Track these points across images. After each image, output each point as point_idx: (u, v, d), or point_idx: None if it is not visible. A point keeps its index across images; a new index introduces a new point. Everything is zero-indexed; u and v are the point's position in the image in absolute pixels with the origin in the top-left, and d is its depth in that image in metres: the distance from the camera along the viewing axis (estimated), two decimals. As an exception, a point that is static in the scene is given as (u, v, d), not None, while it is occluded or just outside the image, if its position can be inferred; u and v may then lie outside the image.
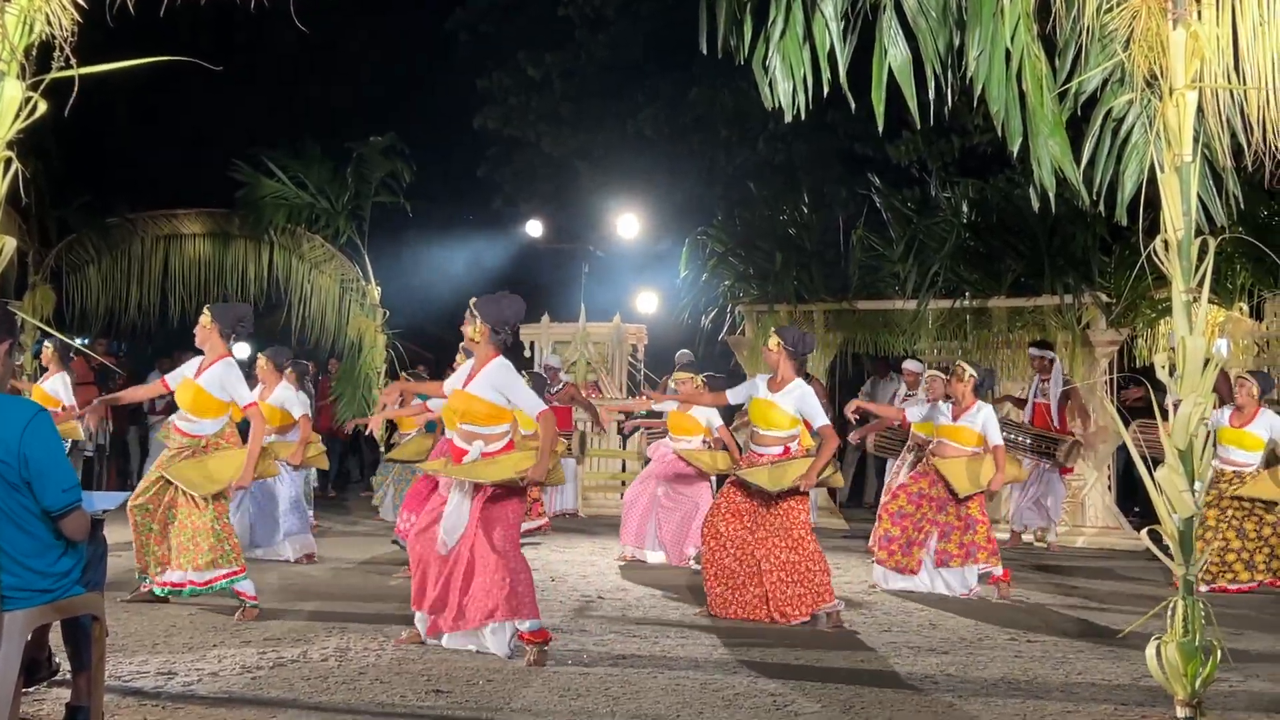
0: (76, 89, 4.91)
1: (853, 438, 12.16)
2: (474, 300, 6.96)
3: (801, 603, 7.96)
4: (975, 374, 9.52)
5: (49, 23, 4.97)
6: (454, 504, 6.77)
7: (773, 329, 8.46)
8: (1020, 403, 13.38)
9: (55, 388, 11.51)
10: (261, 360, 10.86)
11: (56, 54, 4.96)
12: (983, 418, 9.41)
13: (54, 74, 4.97)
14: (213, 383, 7.87)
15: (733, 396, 8.59)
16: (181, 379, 8.01)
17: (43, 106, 4.92)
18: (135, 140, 22.26)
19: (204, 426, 7.96)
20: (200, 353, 8.09)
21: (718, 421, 11.05)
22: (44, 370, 12.04)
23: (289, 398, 10.81)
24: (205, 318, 7.99)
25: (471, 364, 6.98)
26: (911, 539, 9.36)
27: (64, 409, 11.17)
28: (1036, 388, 12.92)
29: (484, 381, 6.79)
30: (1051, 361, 12.81)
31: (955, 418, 9.48)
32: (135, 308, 16.96)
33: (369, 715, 5.39)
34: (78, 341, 16.45)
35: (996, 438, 9.40)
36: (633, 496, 11.30)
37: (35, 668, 5.35)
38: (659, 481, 11.11)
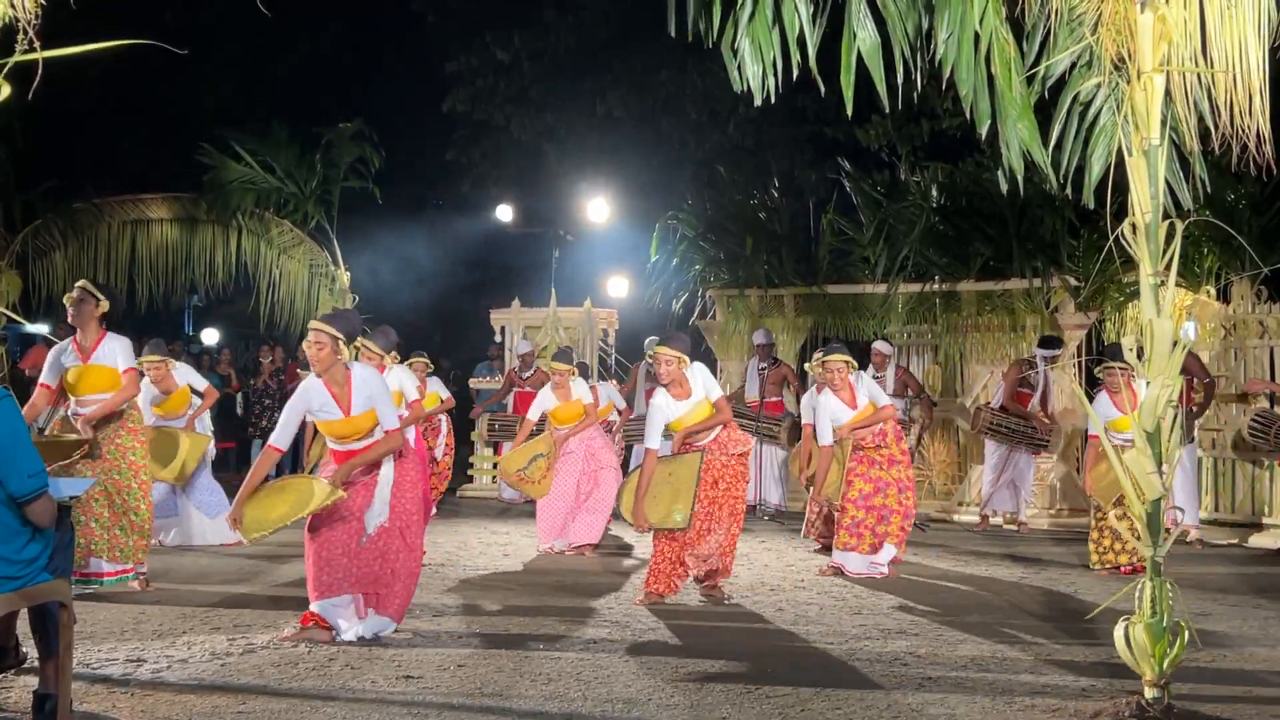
0: (41, 73, 4.86)
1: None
2: (323, 318, 6.69)
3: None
4: (846, 357, 9.51)
5: (12, 5, 4.92)
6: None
7: (659, 344, 8.10)
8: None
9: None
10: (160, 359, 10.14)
11: (20, 37, 4.91)
12: (865, 388, 9.51)
13: (17, 57, 4.91)
14: (113, 357, 7.81)
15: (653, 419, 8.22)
16: (69, 369, 7.82)
17: (6, 90, 4.87)
18: (101, 124, 22.11)
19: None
20: (51, 343, 8.03)
21: (588, 398, 10.71)
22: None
23: (191, 375, 10.53)
24: (95, 301, 7.80)
25: (326, 388, 6.62)
26: (879, 518, 9.34)
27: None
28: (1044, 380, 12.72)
29: (361, 396, 6.61)
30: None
31: (851, 405, 9.42)
32: (102, 294, 16.84)
33: (340, 701, 5.38)
34: (44, 329, 16.32)
35: (883, 399, 9.54)
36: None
37: (3, 655, 5.33)
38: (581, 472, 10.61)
